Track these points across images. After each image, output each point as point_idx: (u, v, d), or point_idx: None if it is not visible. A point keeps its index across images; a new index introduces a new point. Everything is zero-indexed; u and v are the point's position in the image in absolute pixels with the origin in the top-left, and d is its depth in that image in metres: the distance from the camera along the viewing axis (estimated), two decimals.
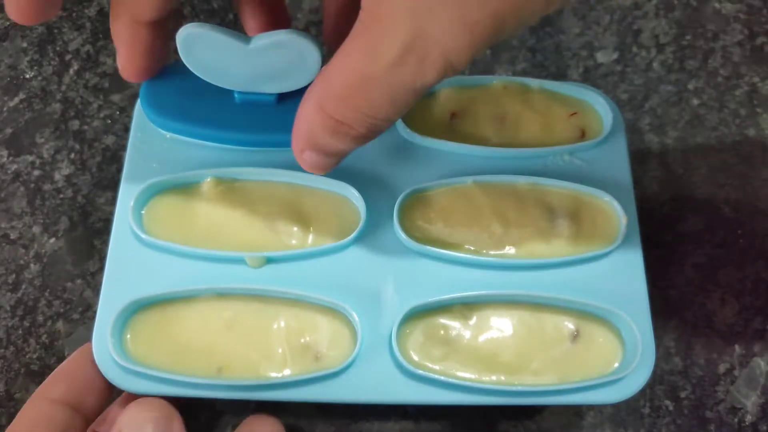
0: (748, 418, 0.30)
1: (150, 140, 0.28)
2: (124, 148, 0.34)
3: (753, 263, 0.33)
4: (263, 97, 0.27)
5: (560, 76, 0.37)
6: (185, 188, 0.27)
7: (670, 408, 0.30)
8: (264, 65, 0.25)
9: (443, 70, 0.17)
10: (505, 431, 0.30)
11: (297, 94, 0.27)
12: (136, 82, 0.26)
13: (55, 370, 0.25)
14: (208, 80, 0.26)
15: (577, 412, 0.30)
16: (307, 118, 0.20)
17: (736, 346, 0.32)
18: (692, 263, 0.33)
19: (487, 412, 0.30)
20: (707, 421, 0.30)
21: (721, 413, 0.30)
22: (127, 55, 0.24)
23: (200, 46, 0.24)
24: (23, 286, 0.32)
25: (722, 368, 0.31)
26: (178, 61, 0.25)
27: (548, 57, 0.37)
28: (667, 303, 0.32)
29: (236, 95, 0.27)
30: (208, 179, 0.27)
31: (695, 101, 0.37)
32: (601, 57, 0.37)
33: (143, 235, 0.26)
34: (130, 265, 0.26)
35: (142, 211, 0.27)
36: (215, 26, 0.23)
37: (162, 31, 0.24)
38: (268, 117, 0.27)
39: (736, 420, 0.30)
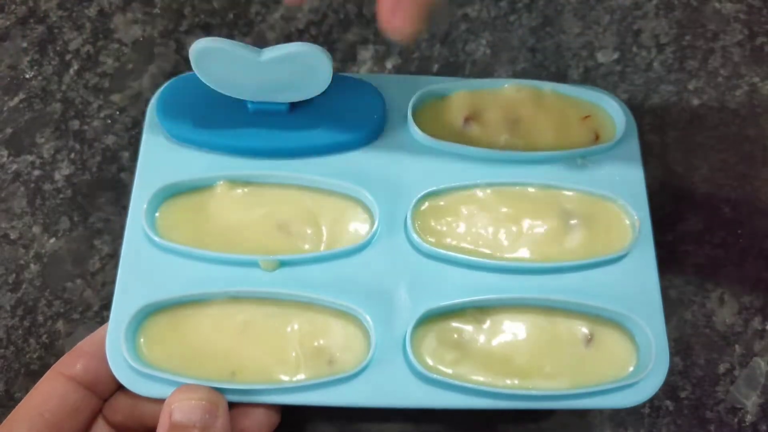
0: (748, 418, 0.30)
1: (163, 143, 0.28)
2: (124, 148, 0.35)
3: (753, 263, 0.33)
4: (276, 107, 0.27)
5: (560, 76, 0.37)
6: (198, 191, 0.27)
7: (670, 408, 0.30)
8: (276, 76, 0.25)
9: None
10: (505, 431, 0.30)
11: (309, 103, 0.27)
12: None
13: (77, 345, 0.25)
14: (221, 92, 0.26)
15: (577, 411, 0.30)
16: None
17: (736, 346, 0.32)
18: (692, 263, 0.33)
19: (488, 412, 0.30)
20: (707, 421, 0.30)
21: (721, 413, 0.30)
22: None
23: (213, 60, 0.24)
24: (23, 286, 0.32)
25: (722, 368, 0.31)
26: (192, 72, 0.25)
27: (548, 57, 0.37)
28: (667, 303, 0.32)
29: (249, 105, 0.27)
30: (221, 182, 0.27)
31: (695, 101, 0.37)
32: (601, 57, 0.37)
33: (156, 239, 0.26)
34: (143, 268, 0.26)
35: (156, 214, 0.27)
36: (227, 40, 0.23)
37: None
38: (281, 126, 0.27)
39: (736, 420, 0.30)
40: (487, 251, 0.27)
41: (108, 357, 0.25)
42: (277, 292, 0.25)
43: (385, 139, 0.28)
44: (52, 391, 0.24)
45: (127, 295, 0.25)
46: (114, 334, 0.25)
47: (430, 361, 0.25)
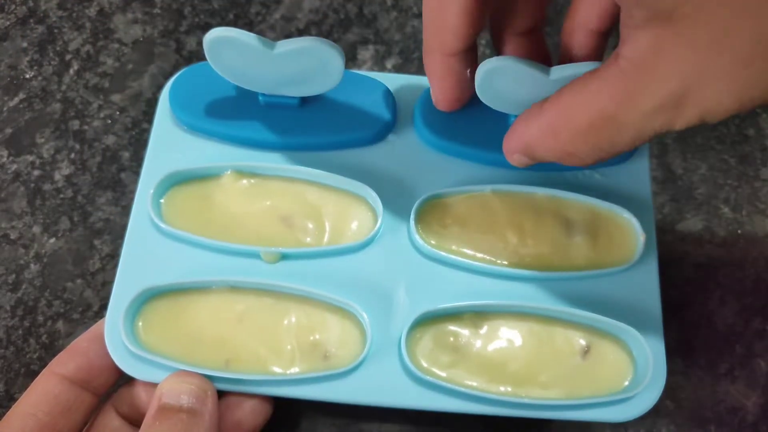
0: (748, 418, 0.30)
1: (173, 131, 0.28)
2: (124, 148, 0.35)
3: (753, 263, 0.33)
4: (287, 100, 0.27)
5: None
6: (205, 180, 0.27)
7: (670, 408, 0.30)
8: (288, 70, 0.25)
9: (693, 124, 0.18)
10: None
11: (320, 98, 0.27)
12: (450, 110, 0.27)
13: (71, 344, 0.26)
14: (233, 82, 0.26)
15: None
16: (533, 134, 0.21)
17: (736, 346, 0.32)
18: (692, 263, 0.33)
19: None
20: (707, 421, 0.30)
21: (721, 413, 0.30)
22: (441, 88, 0.26)
23: (227, 50, 0.24)
24: (23, 286, 0.32)
25: (722, 368, 0.31)
26: (206, 62, 0.25)
27: None
28: (667, 303, 0.32)
29: (260, 97, 0.27)
30: (228, 172, 0.27)
31: None
32: None
33: (161, 224, 0.26)
34: (146, 252, 0.26)
35: (161, 200, 0.27)
36: (242, 31, 0.23)
37: (468, 62, 0.25)
38: (291, 119, 0.28)
39: (736, 420, 0.30)
40: (489, 257, 0.26)
41: (106, 339, 0.25)
42: (277, 284, 0.25)
43: (394, 139, 0.29)
44: (44, 391, 0.24)
45: (129, 279, 0.26)
46: (113, 316, 0.25)
47: (424, 363, 0.25)
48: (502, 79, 0.24)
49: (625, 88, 0.18)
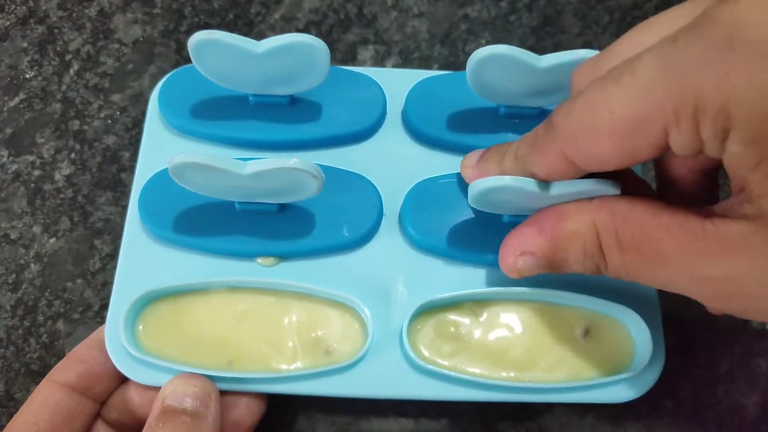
0: (748, 418, 0.30)
1: (163, 134, 0.28)
2: (124, 148, 0.35)
3: None
4: (277, 99, 0.27)
5: None
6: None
7: (670, 407, 0.30)
8: (274, 68, 0.25)
9: None
10: (505, 430, 0.30)
11: (311, 96, 0.27)
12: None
13: (70, 352, 0.26)
14: (221, 84, 0.26)
15: (577, 411, 0.30)
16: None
17: (736, 346, 0.32)
18: None
19: (488, 411, 0.30)
20: (707, 421, 0.30)
21: (721, 413, 0.30)
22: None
23: (211, 52, 0.24)
24: (23, 286, 0.32)
25: (722, 368, 0.31)
26: (194, 66, 0.25)
27: None
28: (667, 303, 0.32)
29: (251, 98, 0.27)
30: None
31: None
32: None
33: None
34: (143, 256, 0.26)
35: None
36: (224, 33, 0.24)
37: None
38: (281, 118, 0.28)
39: (736, 420, 0.30)
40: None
41: (106, 344, 0.25)
42: (276, 282, 0.26)
43: (385, 134, 0.29)
44: (46, 400, 0.24)
45: (127, 283, 0.26)
46: (113, 321, 0.25)
47: (426, 353, 0.25)
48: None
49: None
